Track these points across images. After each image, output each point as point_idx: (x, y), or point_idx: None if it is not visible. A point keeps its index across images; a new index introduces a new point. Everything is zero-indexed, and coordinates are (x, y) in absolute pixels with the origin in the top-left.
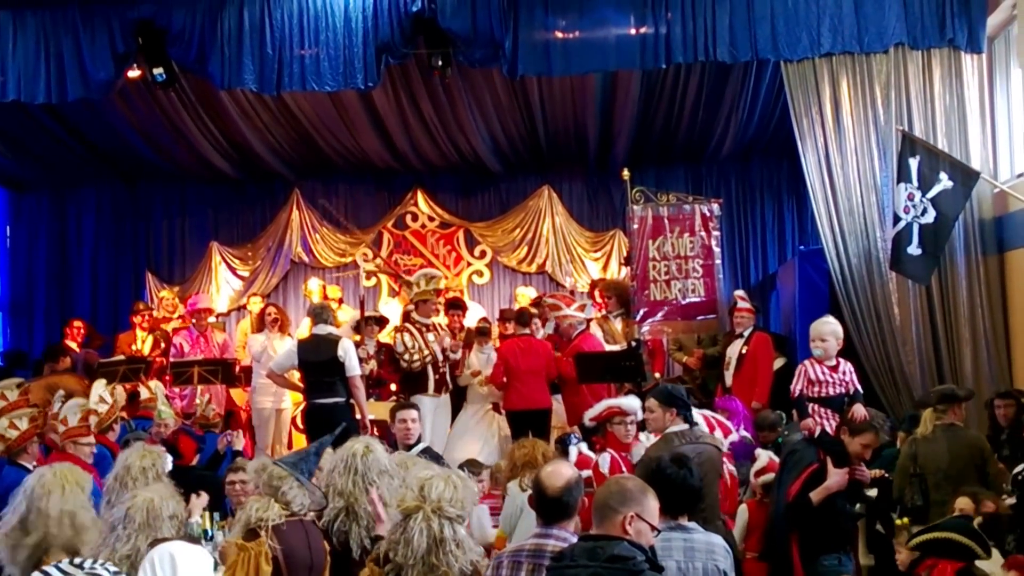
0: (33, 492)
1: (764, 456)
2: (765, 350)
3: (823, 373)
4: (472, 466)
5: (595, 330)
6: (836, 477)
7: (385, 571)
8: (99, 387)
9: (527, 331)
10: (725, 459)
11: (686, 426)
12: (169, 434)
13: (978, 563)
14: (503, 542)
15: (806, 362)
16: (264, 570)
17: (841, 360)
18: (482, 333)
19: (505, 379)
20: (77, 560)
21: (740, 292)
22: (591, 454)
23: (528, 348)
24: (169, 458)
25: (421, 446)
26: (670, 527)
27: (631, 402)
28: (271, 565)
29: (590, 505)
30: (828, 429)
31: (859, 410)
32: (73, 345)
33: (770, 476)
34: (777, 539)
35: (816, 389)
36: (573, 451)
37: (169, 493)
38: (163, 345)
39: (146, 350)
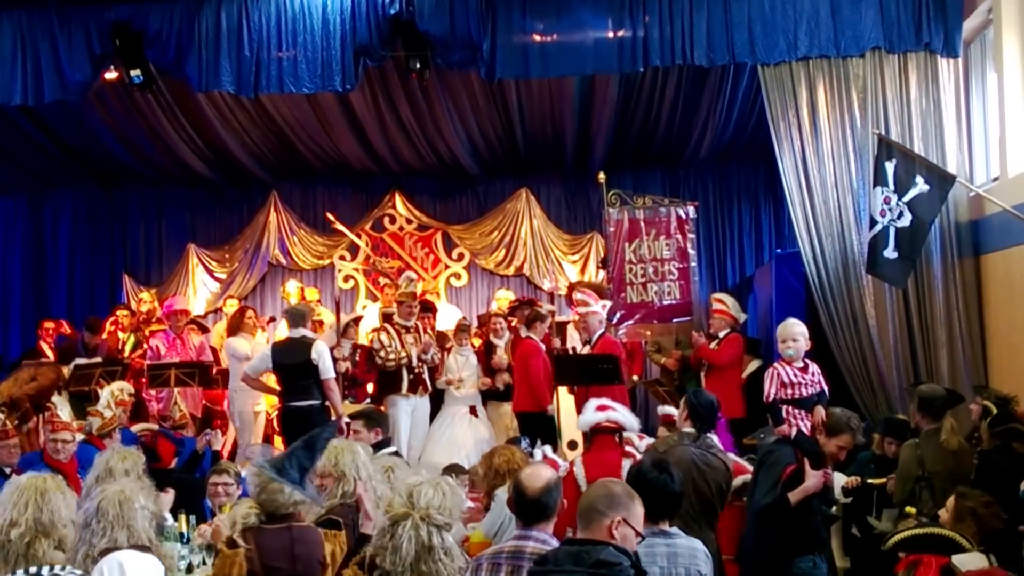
0: (46, 491)
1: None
2: (729, 348)
3: (795, 375)
4: (454, 471)
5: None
6: (814, 479)
7: None
8: (107, 393)
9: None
10: None
11: (692, 431)
12: (148, 436)
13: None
14: (484, 546)
15: (776, 365)
16: None
17: (809, 361)
18: (462, 330)
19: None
20: (33, 569)
21: (718, 295)
22: (556, 457)
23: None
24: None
25: (389, 449)
26: (652, 533)
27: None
28: (243, 572)
29: (570, 508)
30: (804, 430)
31: (819, 412)
32: (46, 346)
33: (739, 480)
34: (751, 540)
35: (789, 391)
36: (538, 453)
37: (139, 487)
38: (144, 346)
39: (127, 351)
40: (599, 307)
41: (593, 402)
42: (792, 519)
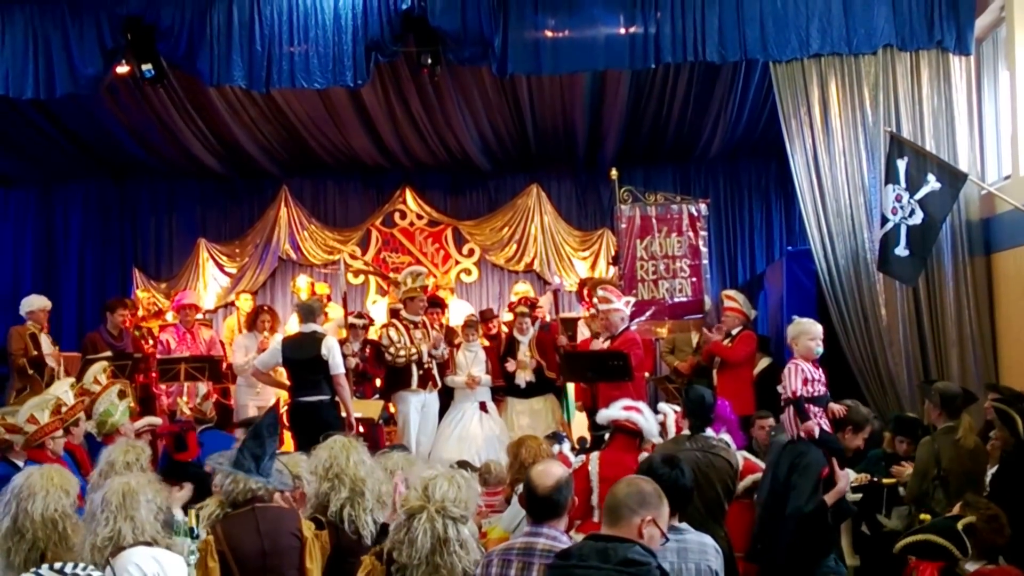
0: (19, 494)
1: (739, 458)
2: (743, 345)
3: (812, 371)
4: (463, 467)
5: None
6: (844, 480)
7: (391, 571)
8: (96, 369)
9: None
10: None
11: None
12: (179, 428)
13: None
14: (503, 541)
15: (797, 361)
16: (210, 567)
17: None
18: (470, 326)
19: None
20: (58, 565)
21: (728, 292)
22: (570, 455)
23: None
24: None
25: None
26: None
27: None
28: (216, 560)
29: (580, 504)
30: (826, 427)
31: (840, 408)
32: None
33: (749, 479)
34: (787, 543)
35: (809, 388)
36: (555, 449)
37: (146, 480)
38: (150, 341)
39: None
40: (622, 304)
41: (623, 401)
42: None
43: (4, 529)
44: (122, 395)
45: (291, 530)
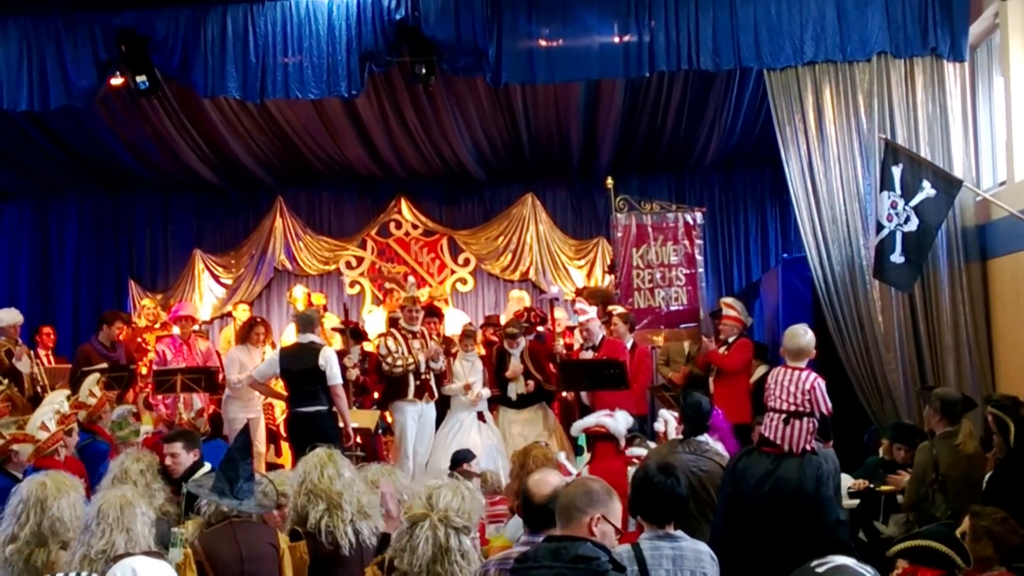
0: (42, 501)
1: None
2: (740, 353)
3: None
4: (467, 477)
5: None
6: None
7: None
8: (90, 381)
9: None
10: None
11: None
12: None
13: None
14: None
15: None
16: None
17: None
18: (467, 336)
19: None
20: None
21: (727, 299)
22: (568, 463)
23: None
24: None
25: (204, 469)
26: (658, 536)
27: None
28: (195, 571)
29: None
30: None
31: None
32: (44, 353)
33: None
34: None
35: None
36: (561, 456)
37: (141, 493)
38: (151, 346)
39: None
40: (594, 312)
41: (601, 412)
42: None
43: (25, 535)
44: (136, 416)
45: (268, 540)
